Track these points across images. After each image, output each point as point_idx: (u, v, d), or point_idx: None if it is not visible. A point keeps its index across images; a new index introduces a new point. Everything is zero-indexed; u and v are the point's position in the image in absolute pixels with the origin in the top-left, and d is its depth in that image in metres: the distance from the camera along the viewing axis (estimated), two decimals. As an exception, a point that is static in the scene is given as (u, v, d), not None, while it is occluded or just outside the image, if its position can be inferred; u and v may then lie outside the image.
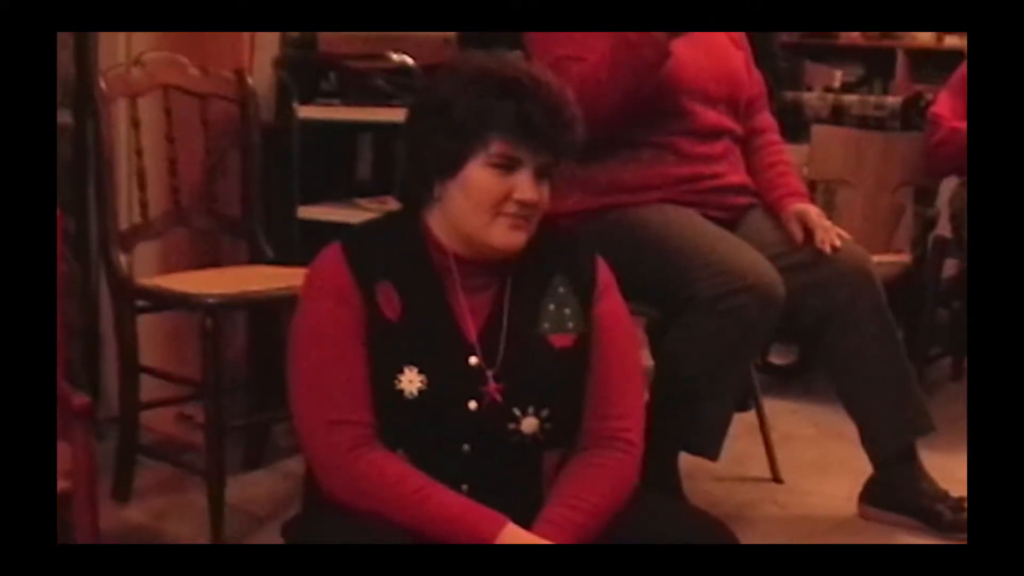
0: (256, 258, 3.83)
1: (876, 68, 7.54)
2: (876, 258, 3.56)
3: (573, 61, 3.09)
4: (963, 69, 4.55)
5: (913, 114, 5.19)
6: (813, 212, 3.30)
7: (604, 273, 2.47)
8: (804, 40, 7.65)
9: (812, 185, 4.84)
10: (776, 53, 4.78)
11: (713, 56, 3.32)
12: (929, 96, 5.11)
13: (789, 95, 5.56)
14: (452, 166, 2.31)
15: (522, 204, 2.30)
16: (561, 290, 2.41)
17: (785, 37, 7.35)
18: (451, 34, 4.10)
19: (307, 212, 4.24)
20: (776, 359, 5.16)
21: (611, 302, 2.45)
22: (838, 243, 3.23)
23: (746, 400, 3.82)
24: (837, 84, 7.28)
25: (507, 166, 2.29)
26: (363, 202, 4.25)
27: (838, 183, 4.99)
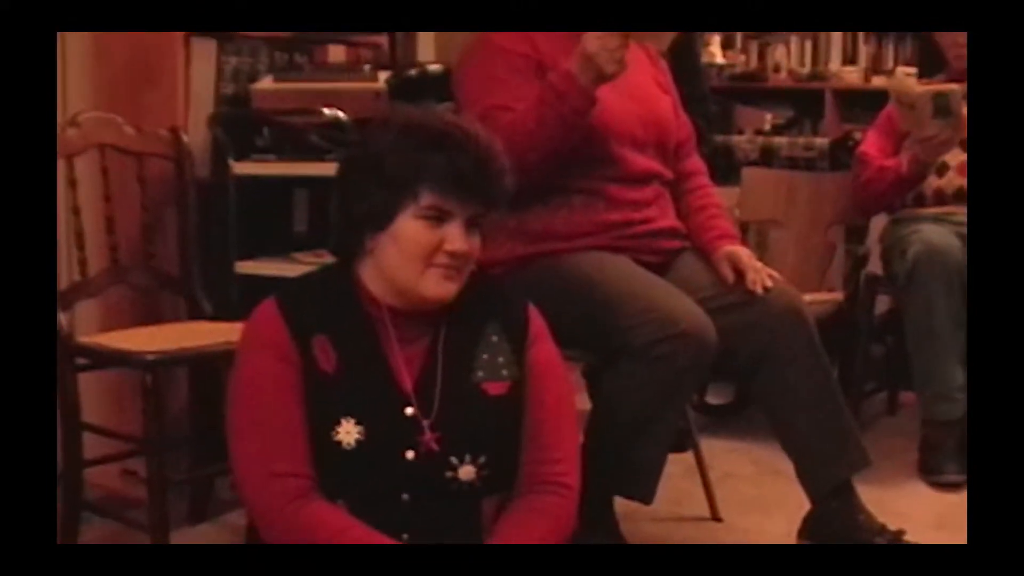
0: (195, 314, 3.85)
1: (805, 109, 7.62)
2: (809, 297, 3.61)
3: (502, 110, 3.12)
4: (889, 108, 4.62)
5: (842, 154, 5.26)
6: (744, 254, 3.34)
7: (536, 320, 2.52)
8: (733, 84, 7.75)
9: (744, 226, 4.90)
10: (706, 96, 4.82)
11: (641, 101, 3.35)
12: (857, 136, 5.17)
13: (719, 138, 5.62)
14: (384, 218, 2.35)
15: (453, 255, 2.34)
16: (494, 338, 2.46)
17: (715, 81, 7.45)
18: (382, 87, 4.13)
19: (245, 267, 4.26)
20: (713, 399, 5.20)
21: (543, 349, 2.50)
22: (769, 284, 3.26)
23: (683, 440, 3.86)
24: (767, 126, 7.35)
25: (438, 217, 2.33)
26: (300, 256, 4.26)
27: (770, 224, 5.06)
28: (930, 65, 5.03)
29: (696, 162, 3.56)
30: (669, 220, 3.38)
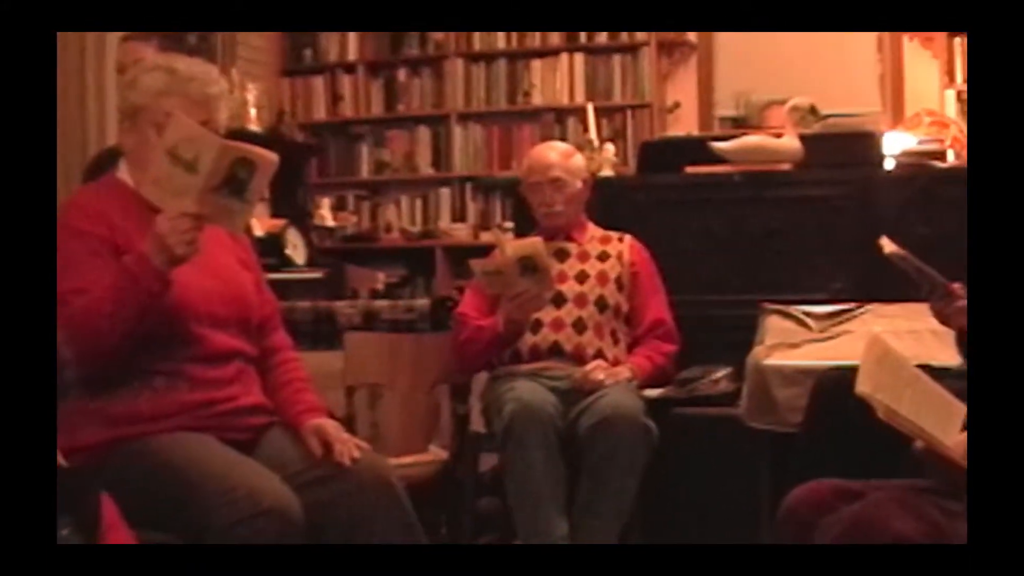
0: None
1: (418, 267, 7.78)
2: (408, 459, 3.65)
3: (77, 294, 3.08)
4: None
5: (442, 314, 5.37)
6: (330, 426, 3.36)
7: (110, 511, 2.49)
8: (347, 244, 7.86)
9: (351, 391, 4.92)
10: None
11: (220, 279, 3.36)
12: (456, 296, 5.30)
13: (322, 304, 5.68)
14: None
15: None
16: (64, 532, 2.41)
17: (328, 243, 7.54)
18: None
19: None
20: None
21: (118, 540, 2.47)
22: (357, 455, 3.28)
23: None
24: (381, 286, 7.45)
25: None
26: None
27: (377, 387, 5.09)
28: (526, 222, 5.21)
29: (281, 337, 3.58)
30: (254, 397, 3.38)
